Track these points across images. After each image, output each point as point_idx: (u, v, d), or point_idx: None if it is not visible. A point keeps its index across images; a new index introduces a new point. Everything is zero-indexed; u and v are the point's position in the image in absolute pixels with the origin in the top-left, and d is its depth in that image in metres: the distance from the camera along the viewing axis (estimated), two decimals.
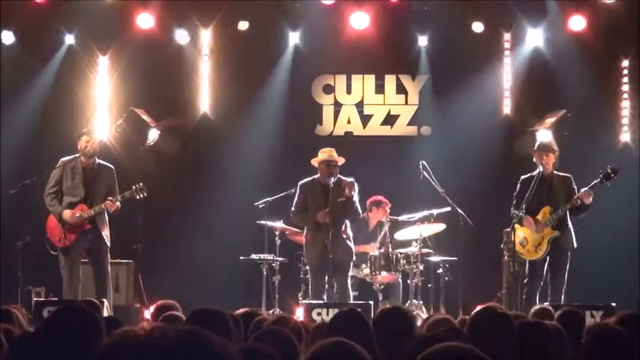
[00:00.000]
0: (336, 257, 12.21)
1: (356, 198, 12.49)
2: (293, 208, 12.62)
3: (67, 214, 12.17)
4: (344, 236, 12.48)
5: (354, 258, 12.68)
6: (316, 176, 12.57)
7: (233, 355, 2.42)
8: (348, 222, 12.61)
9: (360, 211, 12.85)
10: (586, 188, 12.14)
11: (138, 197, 12.41)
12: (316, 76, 15.92)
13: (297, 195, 12.62)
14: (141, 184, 12.39)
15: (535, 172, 12.33)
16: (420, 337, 4.75)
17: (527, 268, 12.38)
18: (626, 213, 14.47)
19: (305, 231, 12.71)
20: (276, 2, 15.48)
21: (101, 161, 12.50)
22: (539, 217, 12.29)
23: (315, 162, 12.60)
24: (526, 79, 15.47)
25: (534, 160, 12.45)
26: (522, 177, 12.54)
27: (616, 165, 12.29)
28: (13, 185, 12.49)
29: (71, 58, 15.51)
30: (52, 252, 12.30)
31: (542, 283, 12.29)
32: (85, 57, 15.58)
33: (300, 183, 12.65)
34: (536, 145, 12.69)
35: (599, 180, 12.10)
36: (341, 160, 12.57)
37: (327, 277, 12.45)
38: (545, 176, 12.27)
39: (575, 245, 12.33)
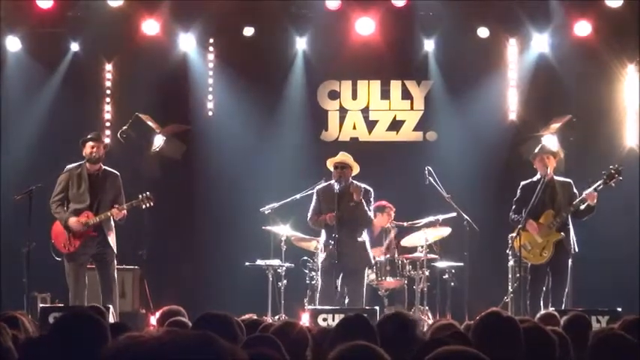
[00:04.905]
0: (347, 263, 12.21)
1: (367, 205, 12.49)
2: (309, 213, 12.65)
3: (72, 221, 12.17)
4: (358, 241, 12.48)
5: (371, 263, 12.70)
6: (332, 181, 12.58)
7: None
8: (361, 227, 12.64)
9: (372, 217, 12.84)
10: (590, 189, 12.13)
11: (144, 206, 12.41)
12: (322, 81, 15.94)
13: (313, 200, 12.66)
14: (148, 193, 12.37)
15: (535, 178, 12.36)
16: (421, 342, 4.75)
17: (529, 272, 12.36)
18: (634, 216, 14.46)
19: (321, 234, 12.75)
20: (282, 8, 15.49)
21: (107, 167, 12.50)
22: (542, 220, 12.29)
23: (329, 164, 12.65)
24: (531, 85, 15.47)
25: (535, 165, 12.45)
26: (522, 182, 12.55)
27: (619, 165, 12.30)
28: (18, 191, 12.50)
29: (76, 64, 15.53)
30: (57, 258, 12.30)
31: (544, 288, 12.29)
32: (90, 63, 15.61)
33: (316, 188, 12.69)
34: (536, 149, 12.71)
35: (602, 181, 12.09)
36: (354, 167, 12.56)
37: (336, 282, 12.44)
38: (546, 181, 12.26)
39: (577, 249, 12.32)
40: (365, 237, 12.62)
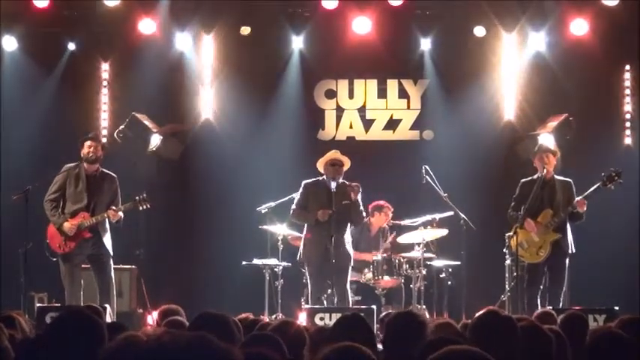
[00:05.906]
0: (337, 262, 12.19)
1: (360, 201, 12.51)
2: (294, 206, 12.61)
3: (67, 226, 12.14)
4: (345, 239, 12.47)
5: (352, 263, 12.68)
6: (321, 178, 12.56)
7: None
8: (349, 226, 12.61)
9: (365, 214, 12.87)
10: (585, 194, 12.12)
11: (141, 208, 12.38)
12: (318, 80, 15.92)
13: (299, 193, 12.61)
14: (144, 194, 12.34)
15: (535, 176, 12.35)
16: (427, 341, 4.75)
17: (526, 271, 12.32)
18: (631, 216, 14.47)
19: (305, 230, 12.69)
20: (279, 7, 15.48)
21: (104, 169, 12.48)
22: (540, 219, 12.29)
23: (320, 164, 12.60)
24: (528, 83, 15.47)
25: (535, 164, 12.45)
26: (522, 180, 12.55)
27: (618, 168, 12.29)
28: (15, 191, 12.49)
29: (73, 64, 15.51)
30: (52, 258, 12.28)
31: (541, 287, 12.28)
32: (87, 63, 15.60)
33: (304, 182, 12.65)
34: (536, 147, 12.72)
35: (601, 183, 12.09)
36: (347, 163, 12.55)
37: (328, 281, 12.41)
38: (546, 179, 12.27)
39: (574, 250, 12.32)
40: (349, 236, 12.62)
